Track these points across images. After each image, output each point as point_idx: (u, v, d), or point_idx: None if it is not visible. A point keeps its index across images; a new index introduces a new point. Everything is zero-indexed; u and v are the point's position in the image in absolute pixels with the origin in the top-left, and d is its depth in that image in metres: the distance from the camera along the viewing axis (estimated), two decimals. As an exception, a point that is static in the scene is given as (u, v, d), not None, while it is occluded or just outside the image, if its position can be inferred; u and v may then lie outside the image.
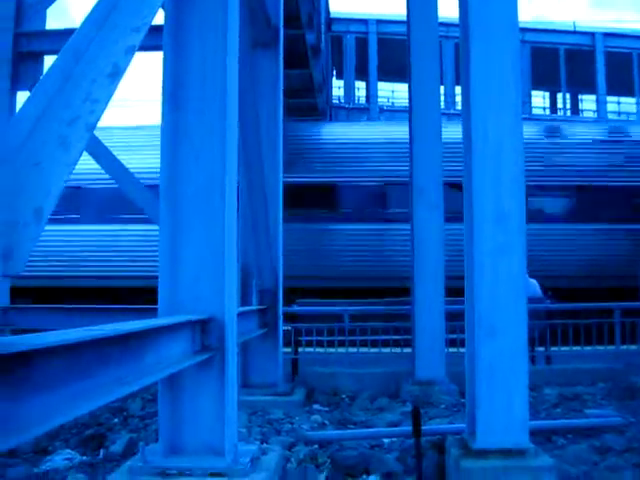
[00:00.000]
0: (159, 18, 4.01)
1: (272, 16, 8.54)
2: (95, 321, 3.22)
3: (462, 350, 7.61)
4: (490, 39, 5.25)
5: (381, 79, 27.40)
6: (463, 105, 5.58)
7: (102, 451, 6.33)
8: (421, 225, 9.28)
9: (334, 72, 28.36)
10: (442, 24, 10.65)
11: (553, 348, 10.81)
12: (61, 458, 6.04)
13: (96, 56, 2.69)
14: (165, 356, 3.42)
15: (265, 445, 4.92)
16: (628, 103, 27.87)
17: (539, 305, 11.29)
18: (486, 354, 5.03)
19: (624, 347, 10.69)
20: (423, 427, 5.69)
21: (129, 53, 2.84)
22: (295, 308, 11.70)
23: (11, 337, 2.13)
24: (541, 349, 10.79)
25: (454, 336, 9.85)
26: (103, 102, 2.64)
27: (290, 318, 10.34)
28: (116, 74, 2.74)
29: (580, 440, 6.35)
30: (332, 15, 25.89)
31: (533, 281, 11.87)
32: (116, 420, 7.51)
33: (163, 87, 4.17)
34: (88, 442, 6.63)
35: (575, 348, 10.67)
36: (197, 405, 4.03)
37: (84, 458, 6.14)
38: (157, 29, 4.16)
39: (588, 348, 10.67)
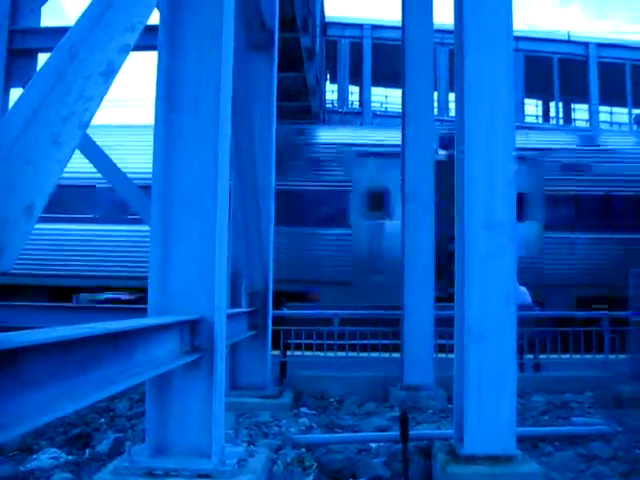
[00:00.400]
0: (155, 18, 4.02)
1: (267, 19, 8.55)
2: (85, 320, 3.21)
3: (451, 356, 7.61)
4: (484, 47, 5.27)
5: (375, 84, 27.45)
6: (456, 111, 5.60)
7: (88, 450, 6.31)
8: (412, 229, 9.28)
9: (328, 76, 28.40)
10: (437, 31, 10.67)
11: (542, 356, 10.83)
12: (47, 457, 6.01)
13: (90, 54, 2.69)
14: (154, 356, 3.42)
15: (252, 447, 4.92)
16: (620, 113, 28.03)
17: (528, 312, 11.31)
18: (475, 360, 5.05)
19: (613, 356, 10.72)
20: (411, 432, 5.69)
21: (124, 52, 2.84)
22: (285, 311, 11.69)
23: (-1, 334, 2.12)
24: (530, 356, 10.81)
25: (443, 342, 9.85)
26: (97, 100, 2.63)
27: (279, 321, 10.32)
28: (110, 72, 2.74)
29: (567, 448, 6.37)
30: (327, 19, 25.92)
31: (523, 289, 11.91)
32: (103, 420, 7.48)
33: (157, 87, 4.17)
34: (74, 441, 6.60)
35: (564, 356, 10.69)
36: (185, 406, 4.03)
37: (70, 457, 6.10)
38: (153, 29, 4.17)
39: (577, 356, 10.70)
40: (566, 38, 26.85)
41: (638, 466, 5.77)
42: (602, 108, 27.43)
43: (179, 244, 4.07)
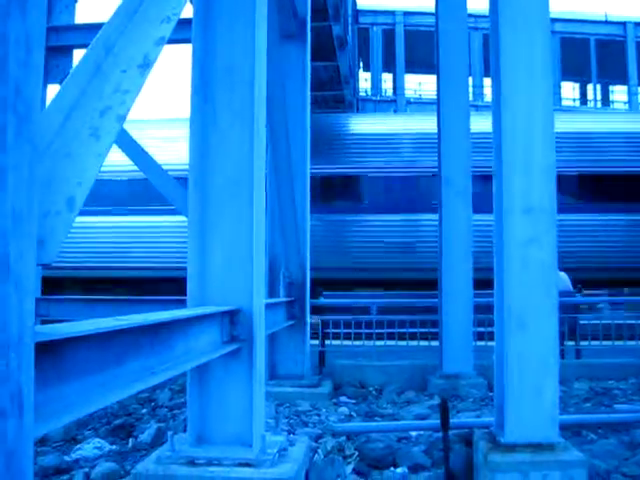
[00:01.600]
0: (188, 11, 4.03)
1: (299, 7, 8.53)
2: (125, 311, 3.24)
3: (490, 344, 7.55)
4: (520, 29, 5.18)
5: (408, 71, 27.27)
6: (493, 96, 5.52)
7: (131, 440, 6.40)
8: (449, 216, 9.22)
9: (361, 64, 28.29)
10: (470, 15, 10.56)
11: (583, 342, 10.70)
12: (91, 447, 6.11)
13: (126, 47, 2.71)
14: (194, 346, 3.44)
15: (292, 436, 4.93)
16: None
17: (569, 299, 11.17)
18: (515, 347, 4.99)
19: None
20: (451, 420, 5.66)
21: (159, 44, 2.85)
22: (322, 300, 11.70)
23: (42, 326, 2.15)
24: (571, 343, 10.68)
25: (482, 329, 9.79)
26: (134, 93, 2.65)
27: (317, 310, 10.35)
28: (146, 65, 2.75)
29: (610, 435, 6.28)
30: (359, 7, 25.80)
31: (563, 274, 11.75)
32: (145, 410, 7.59)
33: (192, 79, 4.18)
34: (117, 431, 6.71)
35: (605, 343, 10.54)
36: (225, 396, 4.05)
37: (113, 447, 6.20)
38: (186, 22, 4.18)
39: (619, 343, 10.54)
40: (603, 19, 26.36)
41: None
42: (642, 89, 26.86)
43: (217, 235, 4.09)
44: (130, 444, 6.31)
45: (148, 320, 2.80)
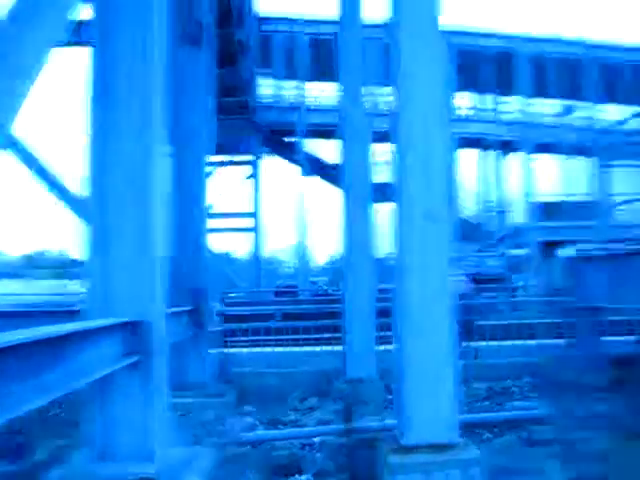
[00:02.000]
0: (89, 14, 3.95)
1: (200, 14, 8.46)
2: (21, 326, 3.11)
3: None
4: (416, 41, 5.28)
5: (311, 79, 27.46)
6: (393, 104, 5.60)
7: (29, 459, 6.13)
8: (350, 221, 9.30)
9: (263, 71, 28.28)
10: (369, 25, 10.71)
11: (480, 342, 11.00)
12: (-15, 469, 5.83)
13: (17, 51, 2.62)
14: (92, 359, 3.35)
15: (197, 447, 4.87)
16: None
17: (467, 301, 11.49)
18: (413, 351, 5.07)
19: (547, 340, 10.95)
20: (354, 425, 5.72)
21: (51, 47, 2.77)
22: (225, 308, 11.62)
23: None
24: (470, 344, 10.96)
25: (386, 333, 9.92)
26: (22, 97, 2.56)
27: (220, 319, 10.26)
28: (36, 69, 2.67)
29: (508, 432, 6.49)
30: (262, 15, 25.81)
31: (462, 277, 12.11)
32: (40, 428, 7.28)
33: (93, 85, 4.09)
34: (14, 451, 6.42)
35: (505, 343, 10.85)
36: (126, 409, 3.97)
37: (10, 467, 5.93)
38: (86, 24, 4.10)
39: (518, 342, 10.87)
40: (496, 33, 27.60)
41: (576, 448, 5.92)
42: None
43: (117, 247, 4.00)
44: (28, 464, 6.05)
45: (38, 335, 2.69)
